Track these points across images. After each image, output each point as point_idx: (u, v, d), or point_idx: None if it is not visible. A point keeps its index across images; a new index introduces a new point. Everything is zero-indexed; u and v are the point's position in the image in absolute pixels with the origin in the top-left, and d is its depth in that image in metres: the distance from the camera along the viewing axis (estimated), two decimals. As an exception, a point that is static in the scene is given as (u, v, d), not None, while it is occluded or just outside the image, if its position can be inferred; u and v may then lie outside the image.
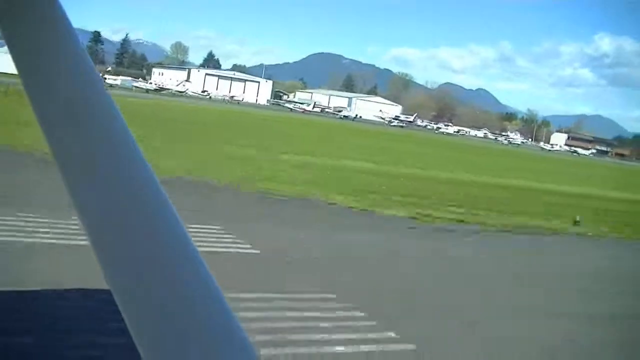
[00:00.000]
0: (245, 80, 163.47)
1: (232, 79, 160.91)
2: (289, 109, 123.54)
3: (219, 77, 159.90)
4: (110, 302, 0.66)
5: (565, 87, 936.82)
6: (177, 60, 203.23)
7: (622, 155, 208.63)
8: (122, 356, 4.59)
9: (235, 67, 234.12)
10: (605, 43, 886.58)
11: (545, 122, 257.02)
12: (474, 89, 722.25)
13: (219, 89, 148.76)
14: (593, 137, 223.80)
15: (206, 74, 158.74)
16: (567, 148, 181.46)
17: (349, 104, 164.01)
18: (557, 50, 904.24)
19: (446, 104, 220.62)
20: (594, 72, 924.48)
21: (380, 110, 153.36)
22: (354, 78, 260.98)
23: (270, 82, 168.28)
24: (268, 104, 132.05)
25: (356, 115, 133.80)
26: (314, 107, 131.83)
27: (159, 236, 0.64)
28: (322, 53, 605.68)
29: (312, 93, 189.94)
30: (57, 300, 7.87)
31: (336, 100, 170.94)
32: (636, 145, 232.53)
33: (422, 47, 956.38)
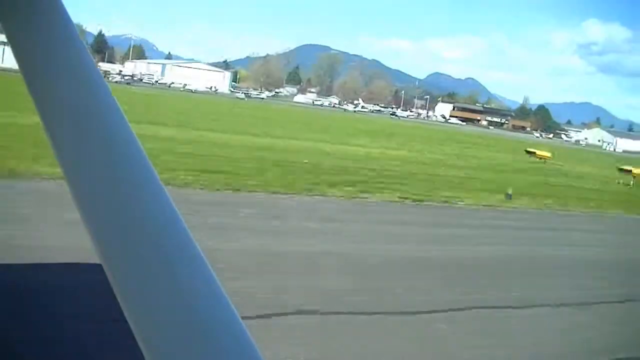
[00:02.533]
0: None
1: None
2: None
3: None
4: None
5: (555, 76, 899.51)
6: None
7: (522, 128, 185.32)
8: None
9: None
10: (594, 30, 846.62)
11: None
12: (462, 78, 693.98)
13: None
14: (484, 108, 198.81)
15: None
16: (442, 118, 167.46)
17: (162, 71, 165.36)
18: (546, 39, 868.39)
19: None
20: (583, 60, 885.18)
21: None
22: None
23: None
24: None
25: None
26: None
27: (162, 235, 0.63)
28: (309, 45, 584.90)
29: (135, 63, 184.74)
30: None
31: (155, 67, 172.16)
32: (540, 117, 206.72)
33: (414, 38, 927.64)
